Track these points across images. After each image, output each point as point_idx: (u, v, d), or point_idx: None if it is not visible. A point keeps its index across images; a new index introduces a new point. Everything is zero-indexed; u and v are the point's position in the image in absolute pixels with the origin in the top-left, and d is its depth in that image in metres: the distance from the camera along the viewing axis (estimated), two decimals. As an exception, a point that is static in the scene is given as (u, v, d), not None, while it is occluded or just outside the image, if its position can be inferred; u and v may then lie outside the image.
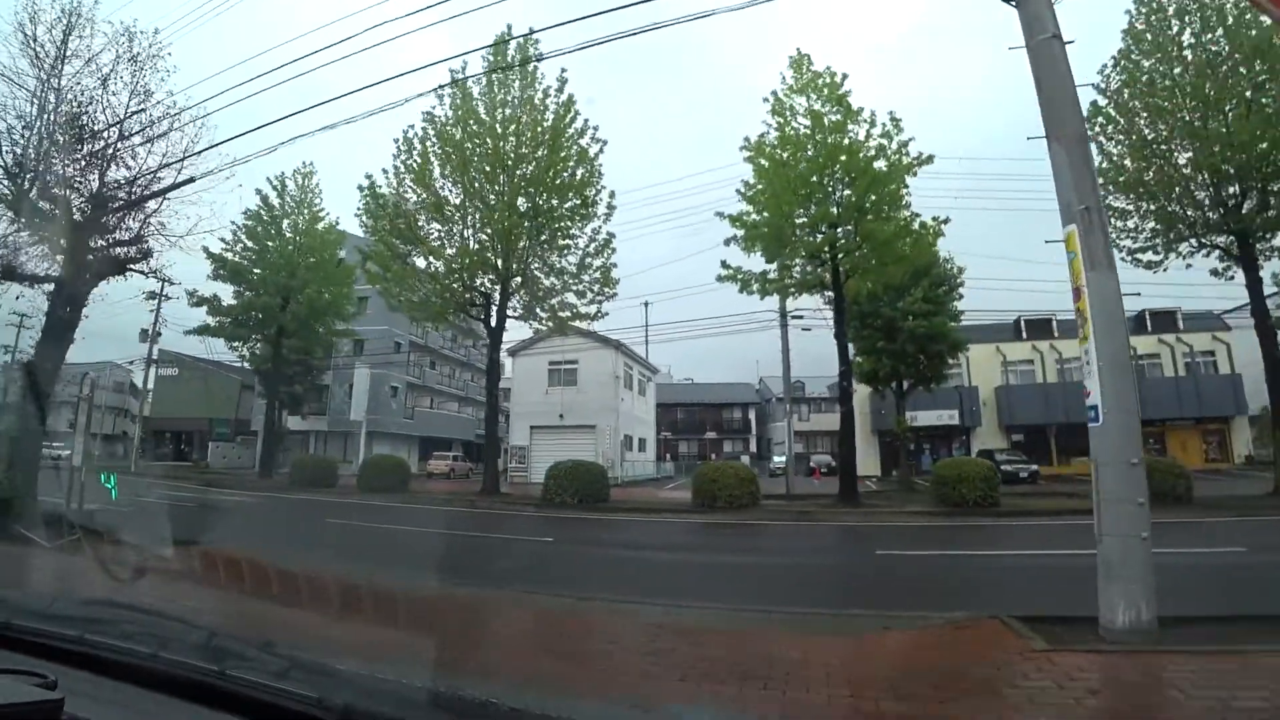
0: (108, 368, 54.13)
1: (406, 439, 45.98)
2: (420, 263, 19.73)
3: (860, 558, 10.89)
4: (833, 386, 64.44)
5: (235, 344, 24.91)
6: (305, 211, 26.14)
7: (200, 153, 13.05)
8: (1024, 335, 39.69)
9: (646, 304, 44.00)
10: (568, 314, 20.57)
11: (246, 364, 25.52)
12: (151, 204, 14.39)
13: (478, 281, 19.78)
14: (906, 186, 16.97)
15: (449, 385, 53.07)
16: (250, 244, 24.88)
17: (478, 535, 12.19)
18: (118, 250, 14.51)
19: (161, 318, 44.24)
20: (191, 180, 13.07)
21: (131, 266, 14.58)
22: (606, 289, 20.30)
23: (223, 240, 24.76)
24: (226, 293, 25.15)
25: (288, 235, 25.69)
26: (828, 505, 16.77)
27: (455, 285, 19.68)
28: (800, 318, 24.63)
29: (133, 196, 14.11)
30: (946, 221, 17.49)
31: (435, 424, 48.96)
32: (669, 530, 14.02)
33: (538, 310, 20.57)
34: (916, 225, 17.32)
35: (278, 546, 10.52)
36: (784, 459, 30.28)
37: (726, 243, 17.91)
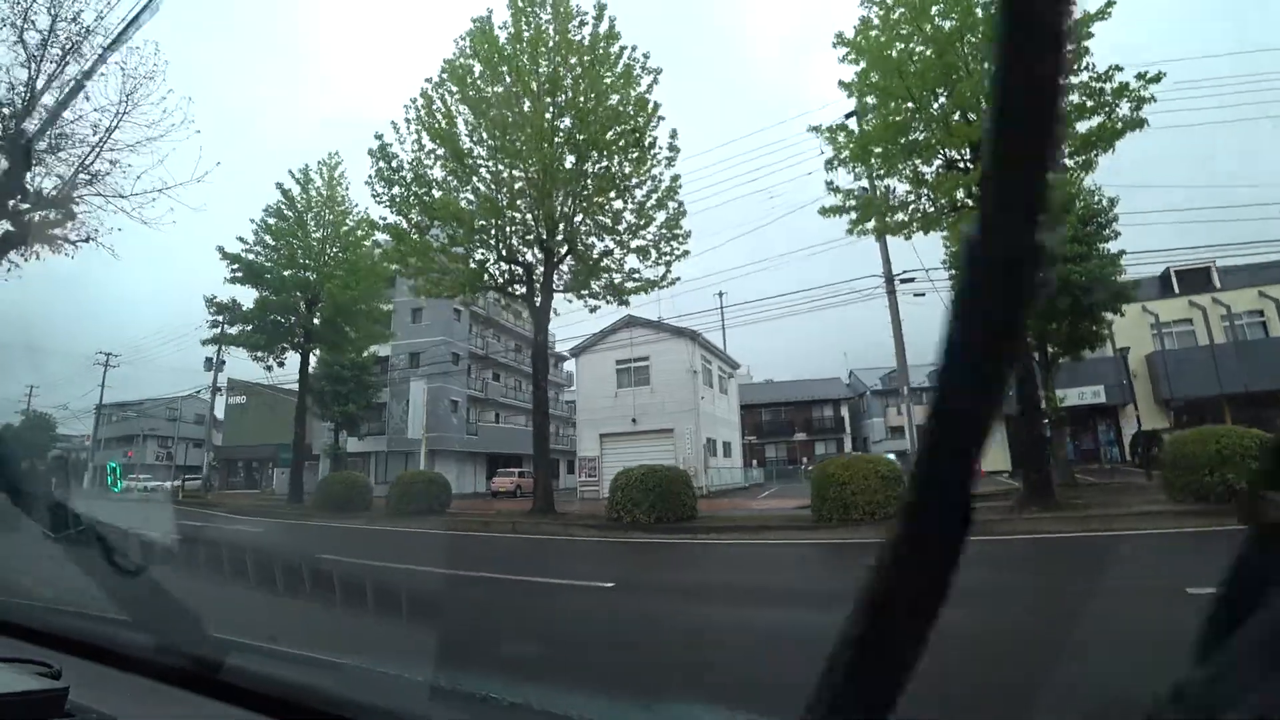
0: (185, 401, 54.24)
1: (471, 456, 42.92)
2: (444, 237, 15.96)
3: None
4: (934, 375, 58.19)
5: (259, 354, 22.04)
6: (332, 207, 23.07)
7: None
8: (1176, 289, 32.80)
9: (721, 294, 39.56)
10: (627, 280, 16.37)
11: (264, 369, 22.63)
12: (78, 150, 11.04)
13: (514, 243, 15.87)
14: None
15: (514, 398, 49.93)
16: (270, 241, 21.96)
17: (497, 578, 8.01)
18: (37, 214, 11.31)
19: (225, 348, 43.48)
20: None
21: (55, 234, 11.34)
22: (676, 244, 16.00)
23: (241, 239, 21.98)
24: (248, 300, 22.31)
25: (312, 231, 22.66)
26: (1009, 508, 11.69)
27: (486, 253, 15.87)
28: (911, 279, 19.61)
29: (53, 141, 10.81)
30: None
31: (501, 439, 45.74)
32: (797, 562, 9.40)
33: (590, 281, 16.45)
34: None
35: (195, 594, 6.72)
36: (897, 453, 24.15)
37: (829, 165, 13.33)
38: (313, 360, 23.14)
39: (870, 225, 13.53)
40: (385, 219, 16.27)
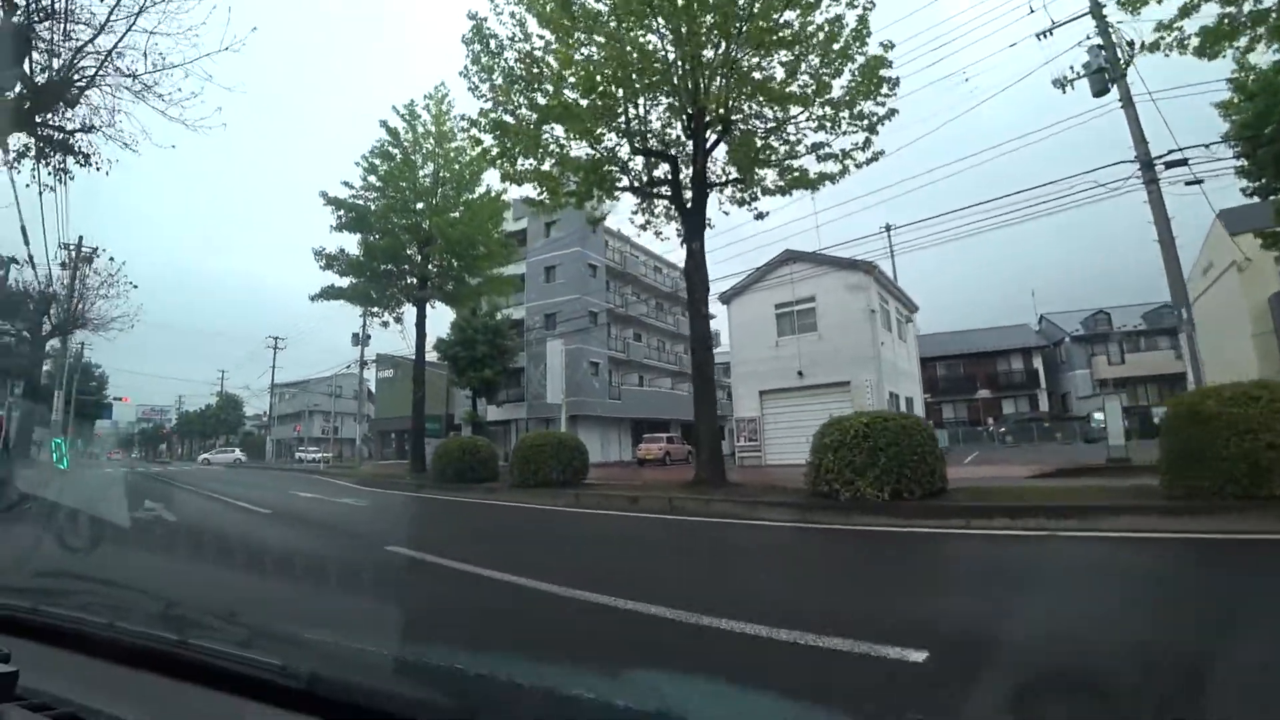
0: (346, 378, 56.00)
1: (616, 422, 39.89)
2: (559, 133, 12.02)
3: None
4: (1152, 315, 47.56)
5: (374, 310, 19.67)
6: (441, 142, 20.03)
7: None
8: None
9: (889, 227, 33.24)
10: (810, 156, 11.62)
11: (380, 324, 20.13)
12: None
13: (650, 116, 11.66)
14: None
15: (658, 359, 46.33)
16: (376, 183, 19.34)
17: (682, 621, 3.74)
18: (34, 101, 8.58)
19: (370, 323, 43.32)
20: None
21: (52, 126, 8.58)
22: (875, 97, 11.05)
23: (346, 184, 19.53)
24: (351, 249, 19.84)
25: (421, 169, 19.80)
26: None
27: (616, 137, 11.77)
28: (1182, 162, 13.24)
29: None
30: None
31: (646, 403, 42.39)
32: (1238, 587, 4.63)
33: (756, 167, 11.90)
34: None
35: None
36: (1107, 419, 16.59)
37: None
38: (442, 327, 20.75)
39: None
40: (487, 115, 12.57)
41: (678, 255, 13.03)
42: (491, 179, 20.24)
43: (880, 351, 24.77)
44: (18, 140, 9.18)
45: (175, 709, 1.17)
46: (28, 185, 9.64)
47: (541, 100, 11.88)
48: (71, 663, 1.30)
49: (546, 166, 11.93)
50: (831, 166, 11.84)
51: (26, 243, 14.61)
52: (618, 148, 12.09)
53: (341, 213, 18.89)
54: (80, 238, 27.29)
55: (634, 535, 8.00)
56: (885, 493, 8.15)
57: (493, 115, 12.31)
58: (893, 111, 11.36)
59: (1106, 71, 16.27)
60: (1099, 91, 16.40)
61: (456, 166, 19.93)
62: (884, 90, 11.04)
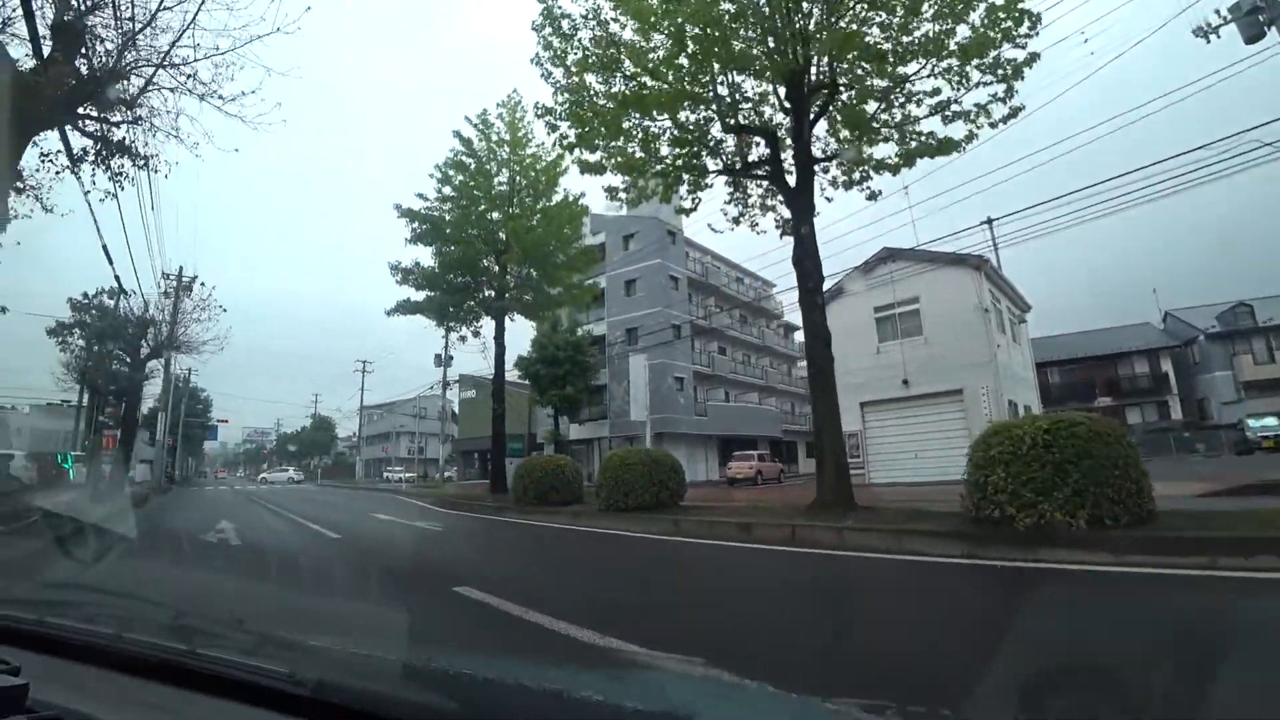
0: (430, 400, 56.81)
1: (702, 440, 38.21)
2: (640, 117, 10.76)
3: None
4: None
5: (451, 324, 19.03)
6: (518, 150, 19.27)
7: None
8: None
9: (990, 220, 30.41)
10: (934, 115, 9.84)
11: (458, 339, 19.36)
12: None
13: (745, 87, 10.23)
14: None
15: (744, 373, 44.42)
16: (450, 193, 18.72)
17: None
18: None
19: (451, 341, 43.55)
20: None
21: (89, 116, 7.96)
22: (1014, 39, 9.21)
23: (420, 195, 19.02)
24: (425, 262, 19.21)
25: (496, 177, 19.09)
26: None
27: (705, 110, 10.38)
28: None
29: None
30: None
31: (733, 419, 40.51)
32: None
33: (868, 136, 10.22)
34: None
35: None
36: None
37: None
38: (522, 344, 19.81)
39: None
40: (559, 101, 11.45)
41: (763, 261, 11.45)
42: (569, 184, 19.34)
43: (996, 355, 22.24)
44: (78, 143, 8.73)
45: (184, 719, 1.17)
46: (87, 192, 9.18)
47: (620, 86, 10.70)
48: (81, 674, 1.29)
49: (630, 149, 10.65)
50: (959, 129, 10.05)
51: (111, 262, 14.68)
52: (708, 124, 10.69)
53: (416, 224, 18.35)
54: (180, 268, 28.44)
55: (765, 576, 6.42)
56: (1080, 519, 6.27)
57: (568, 99, 11.20)
58: (1034, 56, 9.47)
59: (1262, 12, 13.72)
60: (1252, 37, 13.84)
61: (532, 174, 19.11)
62: (1024, 28, 9.20)
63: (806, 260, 9.82)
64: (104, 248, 13.83)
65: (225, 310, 28.01)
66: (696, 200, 11.88)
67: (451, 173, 18.73)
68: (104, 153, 8.86)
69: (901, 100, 10.04)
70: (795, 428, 48.31)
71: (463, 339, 19.73)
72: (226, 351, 28.44)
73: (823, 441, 9.60)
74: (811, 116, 10.48)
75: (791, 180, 10.48)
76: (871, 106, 10.32)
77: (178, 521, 13.05)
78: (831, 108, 10.49)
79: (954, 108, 9.85)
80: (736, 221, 12.57)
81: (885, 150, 10.94)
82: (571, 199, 18.77)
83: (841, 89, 10.30)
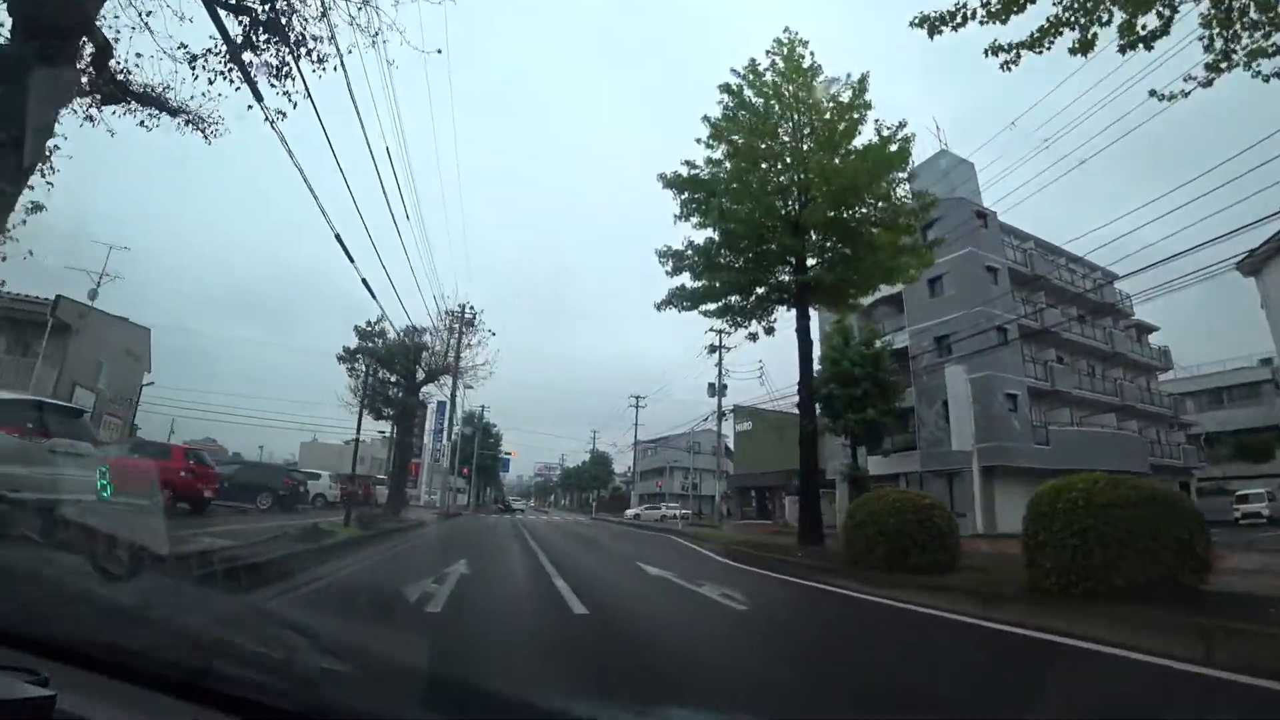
0: (704, 434, 54.24)
1: (1040, 475, 29.17)
2: None
3: None
4: None
5: (740, 319, 14.78)
6: (799, 87, 14.77)
7: None
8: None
9: None
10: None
11: (748, 337, 14.77)
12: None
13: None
14: None
15: (1090, 388, 33.96)
16: (724, 153, 14.69)
17: None
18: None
19: (725, 369, 40.15)
20: None
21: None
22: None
23: (687, 162, 15.29)
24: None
25: (780, 126, 14.70)
26: None
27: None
28: None
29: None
30: None
31: (1082, 450, 30.51)
32: None
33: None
34: None
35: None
36: None
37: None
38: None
39: None
40: None
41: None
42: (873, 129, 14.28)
43: None
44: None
45: None
46: (249, 107, 6.74)
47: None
48: (109, 688, 1.25)
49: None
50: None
51: (374, 296, 13.93)
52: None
53: (686, 193, 14.59)
54: (463, 305, 29.08)
55: None
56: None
57: None
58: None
59: None
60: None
61: (827, 116, 14.40)
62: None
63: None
64: (364, 281, 13.10)
65: (494, 334, 28.07)
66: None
67: (725, 125, 14.74)
68: (253, 37, 6.41)
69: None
70: (1163, 461, 36.30)
71: (752, 337, 15.20)
72: (516, 391, 28.64)
73: None
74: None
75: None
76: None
77: (411, 562, 10.45)
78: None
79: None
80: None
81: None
82: (886, 135, 13.59)
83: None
